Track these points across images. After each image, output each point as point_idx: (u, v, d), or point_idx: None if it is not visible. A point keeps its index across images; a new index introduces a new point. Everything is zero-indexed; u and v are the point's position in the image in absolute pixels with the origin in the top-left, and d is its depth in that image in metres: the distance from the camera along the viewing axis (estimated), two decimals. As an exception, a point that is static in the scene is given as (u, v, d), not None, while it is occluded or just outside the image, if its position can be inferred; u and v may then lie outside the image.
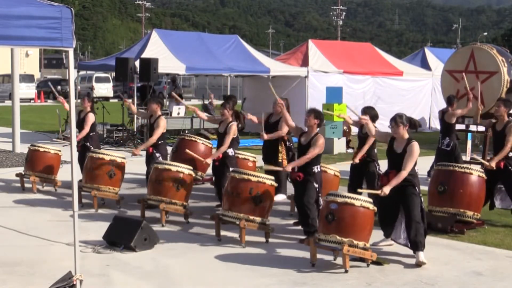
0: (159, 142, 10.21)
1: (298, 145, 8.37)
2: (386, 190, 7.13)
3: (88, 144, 11.11)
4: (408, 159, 7.21)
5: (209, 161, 9.66)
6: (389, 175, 7.32)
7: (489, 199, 9.35)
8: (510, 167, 9.19)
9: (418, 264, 7.14)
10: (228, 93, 24.76)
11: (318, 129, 8.24)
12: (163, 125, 10.14)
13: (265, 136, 10.16)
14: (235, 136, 9.43)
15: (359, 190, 8.03)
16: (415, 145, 7.27)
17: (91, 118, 11.22)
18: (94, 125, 11.37)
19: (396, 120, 7.40)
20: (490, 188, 9.15)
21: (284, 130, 10.17)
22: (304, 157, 8.03)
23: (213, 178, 10.25)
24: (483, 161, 9.38)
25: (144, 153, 10.52)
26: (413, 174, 7.32)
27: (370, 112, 9.42)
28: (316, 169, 8.09)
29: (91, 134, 11.28)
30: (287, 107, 10.45)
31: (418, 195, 7.27)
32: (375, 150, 9.46)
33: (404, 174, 7.17)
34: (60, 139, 18.45)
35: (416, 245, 7.20)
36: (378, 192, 7.23)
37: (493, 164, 9.09)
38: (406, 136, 7.37)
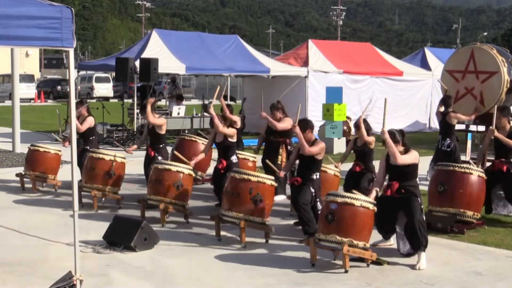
0: (161, 145, 10.21)
1: (299, 157, 8.38)
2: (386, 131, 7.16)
3: (88, 147, 11.11)
4: (407, 155, 7.26)
5: (193, 162, 9.29)
6: (391, 186, 7.30)
7: (487, 202, 9.33)
8: None
9: (417, 268, 7.08)
10: (229, 93, 24.74)
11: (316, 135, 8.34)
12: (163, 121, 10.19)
13: (264, 115, 10.18)
14: (233, 140, 9.32)
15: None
16: (414, 151, 7.37)
17: (89, 120, 11.22)
18: (93, 129, 11.37)
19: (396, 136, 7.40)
20: (488, 191, 9.13)
21: (281, 126, 10.23)
22: (308, 147, 8.07)
23: (213, 183, 9.96)
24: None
25: (142, 154, 10.52)
26: (415, 185, 7.34)
27: (364, 125, 9.42)
28: (315, 176, 8.17)
29: (91, 138, 11.28)
30: (282, 108, 10.49)
31: (419, 203, 7.27)
32: (373, 163, 9.47)
33: (402, 158, 7.16)
34: (60, 139, 18.42)
35: (418, 243, 7.15)
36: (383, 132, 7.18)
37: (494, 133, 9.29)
38: (401, 149, 7.37)
